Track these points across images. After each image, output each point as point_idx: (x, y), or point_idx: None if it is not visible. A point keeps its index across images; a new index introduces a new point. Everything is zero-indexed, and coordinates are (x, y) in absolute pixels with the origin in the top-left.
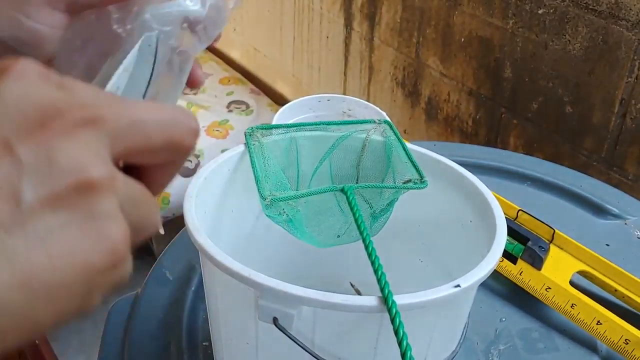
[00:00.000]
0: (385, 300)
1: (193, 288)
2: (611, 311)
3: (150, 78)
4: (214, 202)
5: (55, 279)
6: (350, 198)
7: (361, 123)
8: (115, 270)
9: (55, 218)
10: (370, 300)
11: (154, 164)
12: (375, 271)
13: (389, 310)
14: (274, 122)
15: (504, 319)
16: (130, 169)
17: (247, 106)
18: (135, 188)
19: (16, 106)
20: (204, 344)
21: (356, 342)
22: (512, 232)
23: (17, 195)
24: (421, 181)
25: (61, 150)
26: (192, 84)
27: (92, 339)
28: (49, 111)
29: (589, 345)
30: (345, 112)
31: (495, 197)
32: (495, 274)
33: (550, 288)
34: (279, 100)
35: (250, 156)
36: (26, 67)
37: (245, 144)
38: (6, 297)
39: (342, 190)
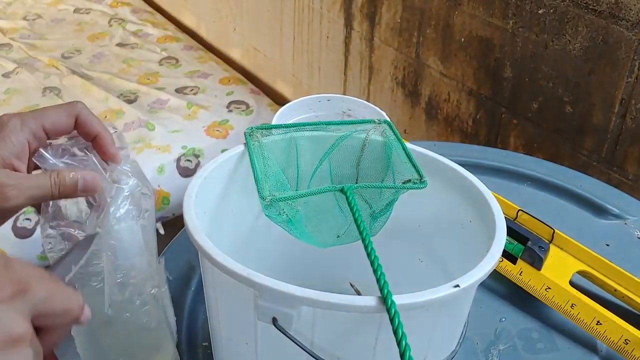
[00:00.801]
0: (385, 300)
1: (193, 288)
2: (611, 311)
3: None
4: (213, 202)
5: None
6: (350, 198)
7: (361, 123)
8: None
9: None
10: (370, 300)
11: (51, 325)
12: (375, 271)
13: (388, 310)
14: (274, 122)
15: (504, 319)
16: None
17: (247, 106)
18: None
19: None
20: (204, 344)
21: (355, 342)
22: (512, 232)
23: None
24: (421, 181)
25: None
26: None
27: None
28: None
29: (589, 345)
30: (345, 112)
31: (495, 197)
32: (495, 274)
33: (550, 288)
34: (279, 100)
35: (250, 156)
36: None
37: (245, 144)
38: None
39: (341, 190)
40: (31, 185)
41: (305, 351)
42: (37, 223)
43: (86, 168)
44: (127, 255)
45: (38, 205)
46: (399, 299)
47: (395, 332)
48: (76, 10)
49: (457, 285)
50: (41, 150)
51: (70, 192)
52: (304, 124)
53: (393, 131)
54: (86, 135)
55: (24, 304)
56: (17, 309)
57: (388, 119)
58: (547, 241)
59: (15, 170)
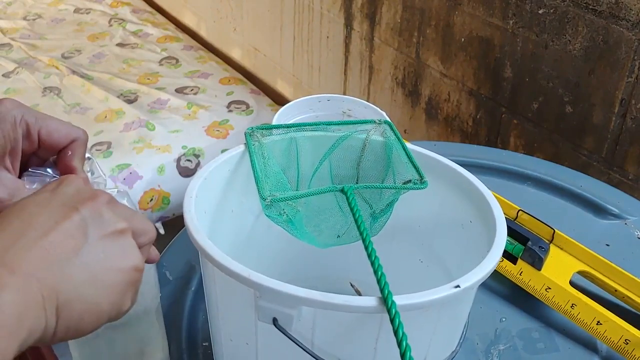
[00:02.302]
0: (385, 300)
1: (193, 288)
2: (611, 311)
3: None
4: (214, 202)
5: (109, 278)
6: (350, 198)
7: (361, 123)
8: (137, 281)
9: (106, 246)
10: (370, 300)
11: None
12: (375, 271)
13: (389, 311)
14: (274, 122)
15: (504, 319)
16: None
17: (247, 106)
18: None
19: (75, 192)
20: (204, 344)
21: (356, 343)
22: (512, 232)
23: (86, 233)
24: (421, 181)
25: (104, 211)
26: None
27: None
28: (92, 193)
29: (589, 345)
30: (345, 112)
31: (495, 197)
32: (495, 274)
33: (550, 288)
34: (279, 100)
35: (250, 156)
36: (73, 177)
37: (245, 144)
38: (84, 291)
39: (342, 190)
40: None
41: (306, 351)
42: None
43: None
44: None
45: None
46: (399, 300)
47: (395, 333)
48: (76, 10)
49: (458, 286)
50: (30, 172)
51: None
52: (304, 124)
53: (393, 131)
54: (63, 166)
55: (120, 213)
56: (115, 212)
57: (388, 119)
58: (547, 241)
59: (7, 168)
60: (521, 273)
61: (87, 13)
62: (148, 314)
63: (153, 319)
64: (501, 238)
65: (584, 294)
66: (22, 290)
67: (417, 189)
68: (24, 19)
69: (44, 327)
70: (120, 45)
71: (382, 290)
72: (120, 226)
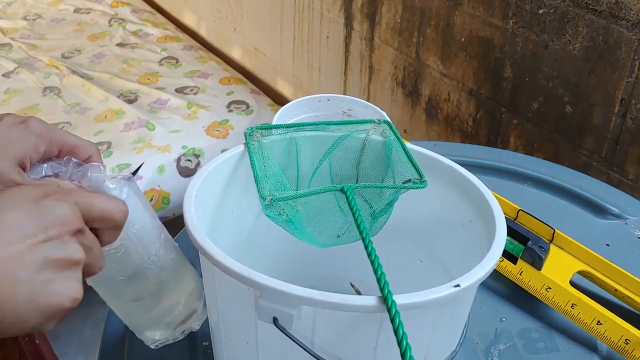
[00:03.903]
0: (385, 300)
1: None
2: (611, 311)
3: None
4: (213, 202)
5: (47, 306)
6: (350, 198)
7: (361, 123)
8: (71, 309)
9: (55, 277)
10: (370, 300)
11: (101, 228)
12: (375, 271)
13: (389, 310)
14: (274, 122)
15: (504, 319)
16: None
17: (247, 106)
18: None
19: (53, 214)
20: (204, 344)
21: (356, 342)
22: (512, 232)
23: (41, 259)
24: (421, 181)
25: (69, 241)
26: None
27: (92, 339)
28: (63, 220)
29: (589, 345)
30: (345, 112)
31: (495, 197)
32: (496, 274)
33: (550, 288)
34: (279, 100)
35: (250, 156)
36: (59, 197)
37: (245, 144)
38: (19, 311)
39: (341, 190)
40: None
41: (306, 351)
42: None
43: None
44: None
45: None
46: (399, 299)
47: (395, 332)
48: (76, 10)
49: (458, 285)
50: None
51: None
52: (304, 124)
53: (393, 131)
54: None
55: (70, 200)
56: (64, 200)
57: (388, 119)
58: (547, 241)
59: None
60: (521, 273)
61: (87, 13)
62: (158, 259)
63: (164, 262)
64: (501, 238)
65: (584, 293)
66: None
67: (417, 188)
68: (24, 19)
69: None
70: (120, 45)
71: (382, 290)
72: (76, 258)
